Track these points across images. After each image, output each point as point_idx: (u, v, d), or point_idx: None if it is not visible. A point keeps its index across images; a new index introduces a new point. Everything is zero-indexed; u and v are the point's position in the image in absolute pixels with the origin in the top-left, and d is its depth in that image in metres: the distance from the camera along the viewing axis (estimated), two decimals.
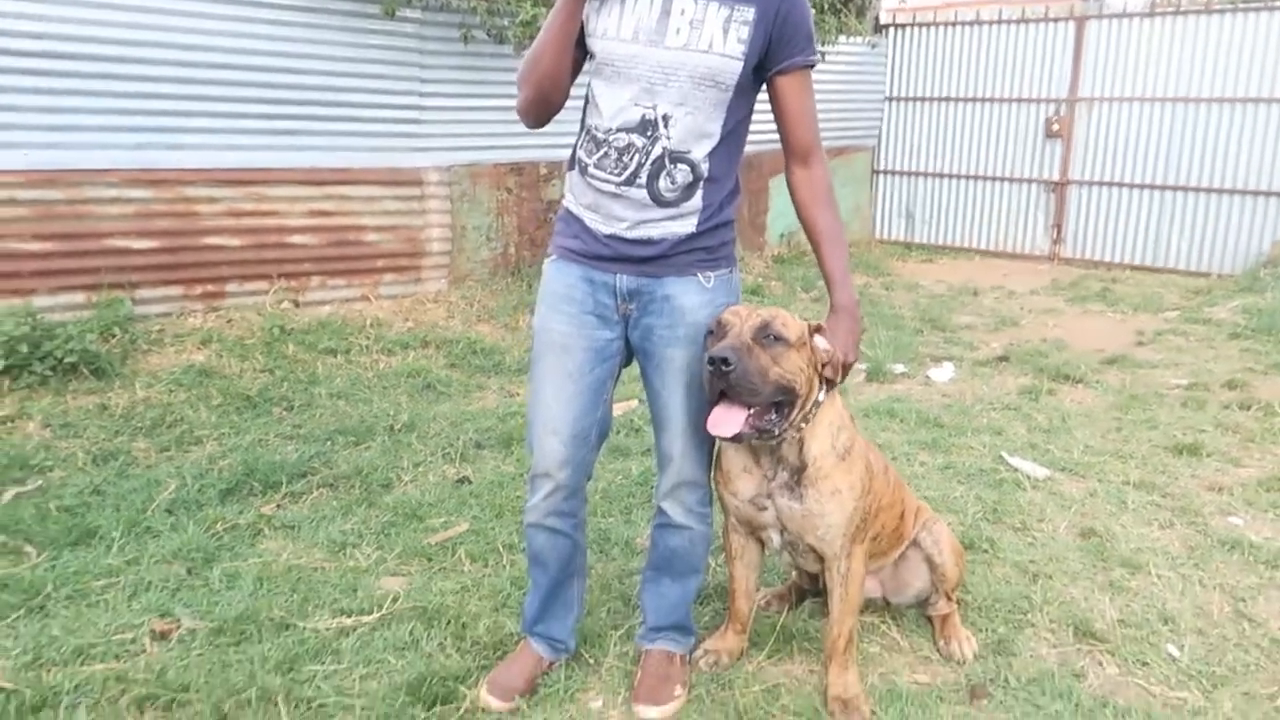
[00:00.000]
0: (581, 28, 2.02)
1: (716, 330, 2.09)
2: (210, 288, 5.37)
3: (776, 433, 2.09)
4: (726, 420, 2.03)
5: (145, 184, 5.05)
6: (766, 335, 2.05)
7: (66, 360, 4.41)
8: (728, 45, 1.97)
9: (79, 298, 4.87)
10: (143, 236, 5.08)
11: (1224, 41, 8.14)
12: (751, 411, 2.03)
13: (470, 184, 6.47)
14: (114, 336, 4.78)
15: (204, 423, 4.22)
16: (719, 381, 1.99)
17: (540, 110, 2.09)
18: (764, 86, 2.10)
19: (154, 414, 4.24)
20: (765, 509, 2.26)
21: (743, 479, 2.27)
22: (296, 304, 5.71)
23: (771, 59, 2.02)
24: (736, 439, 2.06)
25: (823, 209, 2.14)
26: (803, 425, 2.14)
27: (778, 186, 8.07)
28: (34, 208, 4.70)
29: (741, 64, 1.98)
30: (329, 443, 4.05)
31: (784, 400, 2.07)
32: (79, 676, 2.33)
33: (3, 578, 2.81)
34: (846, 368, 2.13)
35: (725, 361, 1.96)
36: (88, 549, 3.04)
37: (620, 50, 1.98)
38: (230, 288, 5.44)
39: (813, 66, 2.09)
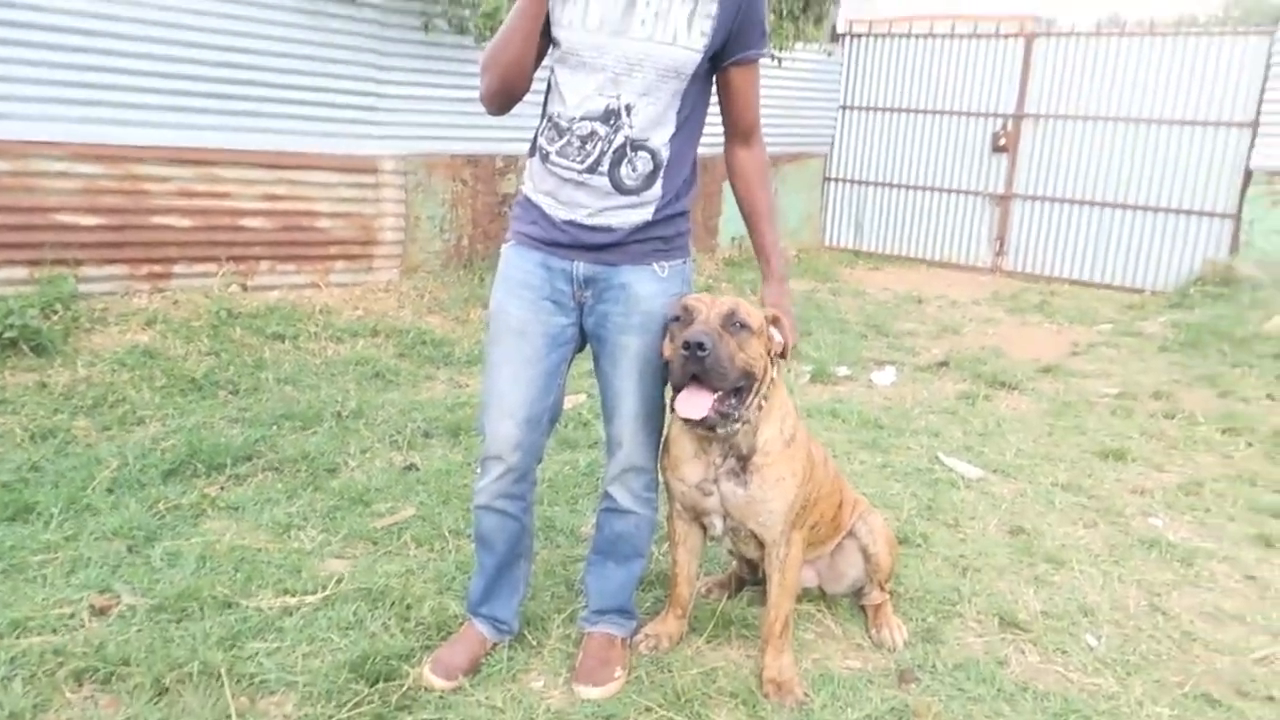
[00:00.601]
0: (546, 16, 2.07)
1: (683, 316, 2.15)
2: (157, 268, 5.29)
3: (735, 416, 2.16)
4: (695, 403, 2.09)
5: (93, 159, 4.96)
6: (733, 323, 2.12)
7: (6, 335, 4.33)
8: (691, 38, 2.03)
9: (21, 272, 4.77)
10: (89, 213, 4.99)
11: (1165, 65, 8.42)
12: (716, 395, 2.10)
13: (426, 174, 6.46)
14: (56, 313, 4.69)
15: (147, 403, 4.18)
16: (693, 365, 2.05)
17: (503, 98, 2.13)
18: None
19: (95, 393, 4.18)
20: (710, 494, 2.32)
21: (691, 464, 2.33)
22: (244, 288, 5.65)
23: (728, 50, 2.09)
24: (702, 422, 2.12)
25: (763, 188, 2.26)
26: (756, 411, 2.21)
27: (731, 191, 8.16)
28: None
29: (701, 55, 2.05)
30: (275, 427, 4.03)
31: (744, 385, 2.15)
32: (14, 649, 2.32)
33: None
34: (792, 334, 2.24)
35: (701, 346, 2.02)
36: (25, 524, 3.01)
37: (586, 40, 2.03)
38: (177, 269, 5.37)
39: (763, 58, 2.17)
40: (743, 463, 2.26)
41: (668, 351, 2.17)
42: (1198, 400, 5.24)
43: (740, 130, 2.22)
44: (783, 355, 2.24)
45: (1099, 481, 4.01)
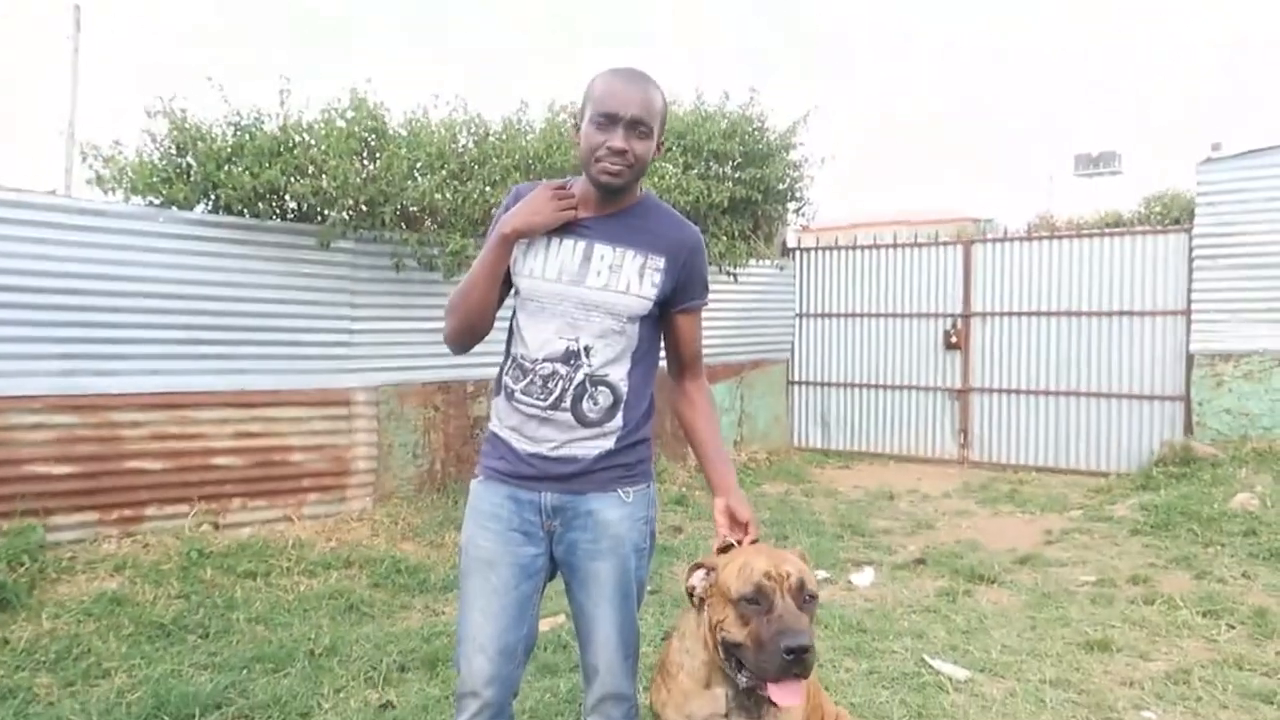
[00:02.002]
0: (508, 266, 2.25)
1: (758, 598, 2.02)
2: (128, 512, 5.29)
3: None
4: (794, 691, 1.98)
5: (70, 409, 5.07)
6: (805, 597, 2.04)
7: None
8: (643, 288, 2.22)
9: None
10: (61, 462, 5.04)
11: (1097, 261, 8.98)
12: None
13: (398, 402, 6.61)
14: (22, 565, 4.63)
15: (113, 654, 4.06)
16: (797, 667, 1.94)
17: (467, 338, 2.29)
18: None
19: (59, 646, 4.07)
20: None
21: (701, 697, 2.17)
22: (216, 526, 5.63)
23: (675, 300, 2.28)
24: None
25: (708, 414, 2.38)
26: None
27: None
28: None
29: (652, 303, 2.23)
30: (245, 671, 3.92)
31: None
32: None
33: None
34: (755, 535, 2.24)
35: (807, 649, 1.93)
36: None
37: (545, 289, 2.20)
38: (149, 511, 5.37)
39: (705, 306, 2.36)
40: (759, 700, 2.09)
41: (740, 635, 2.02)
42: (1175, 583, 5.26)
43: (685, 363, 2.38)
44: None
45: (1087, 675, 3.96)
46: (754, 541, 2.24)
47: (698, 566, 2.19)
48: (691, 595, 2.18)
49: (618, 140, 2.10)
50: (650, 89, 2.15)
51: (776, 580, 2.02)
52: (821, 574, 5.60)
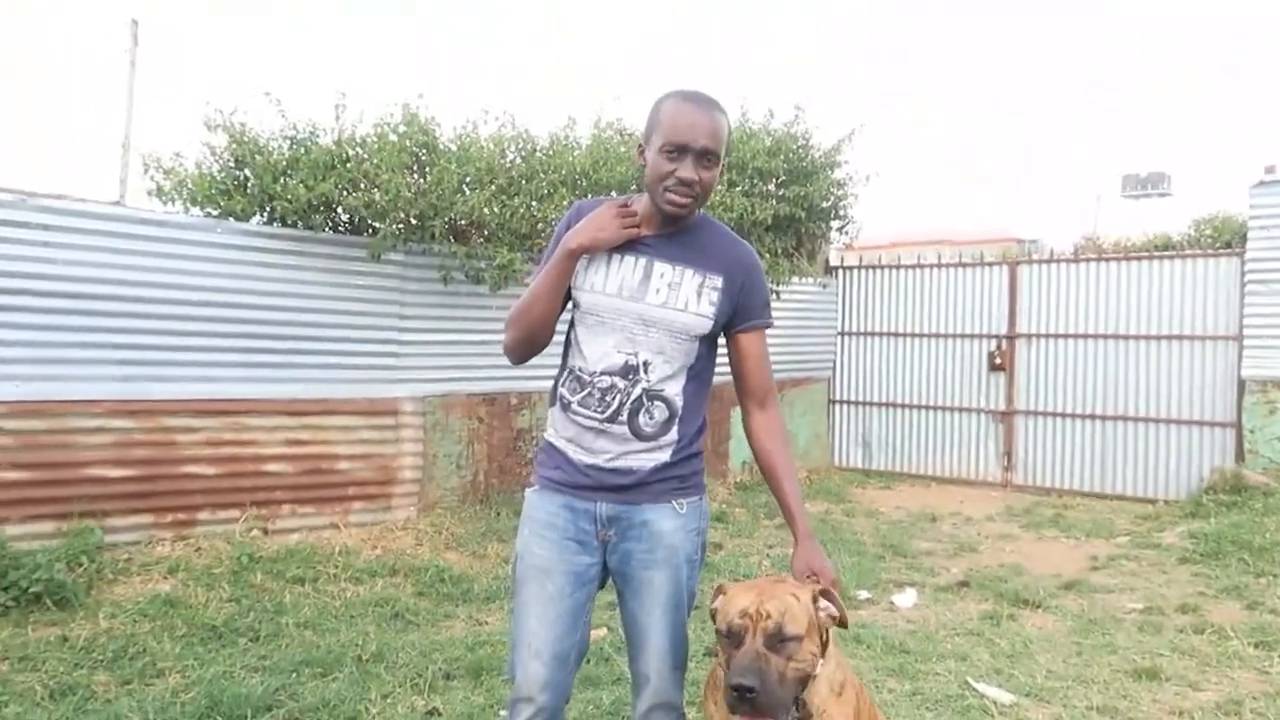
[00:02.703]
0: None
1: (732, 637, 2.05)
2: (181, 515, 5.41)
3: (796, 712, 2.09)
4: None
5: (127, 414, 5.21)
6: (780, 640, 2.04)
7: (31, 590, 4.38)
8: (700, 306, 2.25)
9: (49, 526, 4.89)
10: (119, 465, 5.18)
11: (1146, 284, 8.85)
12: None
13: (444, 413, 6.70)
14: (81, 565, 4.77)
15: (167, 654, 4.16)
16: (743, 706, 1.97)
17: (527, 349, 2.33)
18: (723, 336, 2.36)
19: (116, 645, 4.18)
20: None
21: None
22: (266, 531, 5.74)
23: (735, 320, 2.31)
24: None
25: (781, 450, 2.34)
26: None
27: (738, 417, 8.39)
28: (17, 437, 4.82)
29: (712, 322, 2.26)
30: (294, 674, 4.00)
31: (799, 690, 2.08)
32: None
33: None
34: (835, 586, 2.22)
35: (749, 690, 1.95)
36: None
37: (605, 304, 2.25)
38: (201, 515, 5.49)
39: (769, 326, 2.36)
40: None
41: (720, 672, 2.09)
42: (1226, 613, 5.16)
43: (755, 395, 2.36)
44: (842, 624, 2.17)
45: (1135, 703, 3.91)
46: (825, 587, 2.21)
47: (720, 591, 2.22)
48: (714, 617, 2.21)
49: (687, 171, 2.13)
50: (718, 117, 2.17)
51: (752, 619, 2.03)
52: (863, 594, 5.58)
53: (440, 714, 3.65)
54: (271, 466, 5.80)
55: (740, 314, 2.30)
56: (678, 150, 2.13)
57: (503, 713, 3.60)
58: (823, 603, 2.15)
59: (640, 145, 2.24)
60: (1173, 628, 4.95)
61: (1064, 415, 9.28)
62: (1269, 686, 4.12)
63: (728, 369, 2.40)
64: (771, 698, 1.98)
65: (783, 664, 2.03)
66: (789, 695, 2.03)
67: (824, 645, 2.15)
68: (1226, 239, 9.73)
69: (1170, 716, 3.78)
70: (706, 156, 2.15)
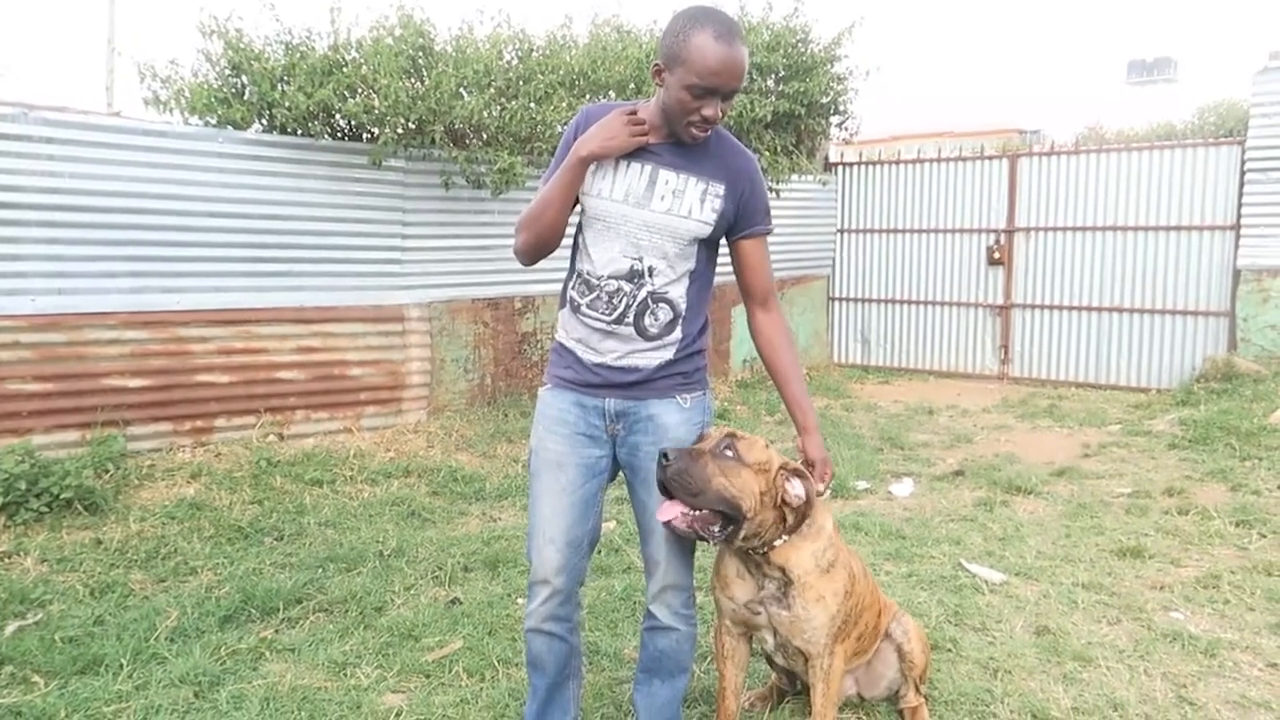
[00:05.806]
0: None
1: (698, 440, 2.38)
2: (199, 423, 5.57)
3: (712, 544, 2.36)
4: (665, 509, 2.29)
5: (141, 325, 5.31)
6: (723, 448, 2.32)
7: (63, 496, 4.55)
8: (703, 213, 2.34)
9: (74, 435, 5.05)
10: (137, 375, 5.30)
11: (1145, 175, 8.85)
12: (695, 513, 2.27)
13: (449, 318, 6.80)
14: (107, 472, 4.94)
15: (198, 554, 4.37)
16: (658, 472, 2.26)
17: (538, 253, 2.43)
18: (724, 241, 2.46)
19: (148, 546, 4.38)
20: (759, 614, 2.50)
21: (738, 584, 2.52)
22: (281, 437, 5.91)
23: (737, 226, 2.40)
24: (668, 526, 2.29)
25: (785, 349, 2.48)
26: (767, 550, 2.39)
27: (739, 316, 8.48)
28: (36, 350, 4.93)
29: (713, 228, 2.35)
30: (321, 570, 4.21)
31: (729, 515, 2.30)
32: None
33: (16, 705, 2.93)
34: (827, 477, 2.45)
35: (665, 455, 2.24)
36: (95, 676, 3.16)
37: (612, 210, 2.33)
38: (219, 422, 5.65)
39: (769, 233, 2.45)
40: (783, 589, 2.44)
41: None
42: (1210, 495, 5.37)
43: (757, 297, 2.48)
44: (805, 510, 2.39)
45: (1119, 579, 4.12)
46: (827, 484, 2.46)
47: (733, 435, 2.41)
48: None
49: (712, 110, 2.19)
50: (744, 51, 2.17)
51: (720, 432, 2.39)
52: (862, 484, 5.78)
53: (462, 602, 3.86)
54: (283, 374, 5.94)
55: (742, 221, 2.39)
56: (707, 91, 2.16)
57: (520, 600, 3.81)
58: (794, 482, 2.34)
59: (658, 65, 2.22)
60: (1158, 510, 5.16)
61: (1061, 308, 9.39)
62: (1247, 561, 4.33)
63: (728, 269, 2.50)
64: (681, 479, 2.25)
65: (713, 469, 2.28)
66: (704, 498, 2.27)
67: (784, 522, 2.38)
68: (1230, 127, 9.66)
69: (1152, 590, 4.00)
70: (732, 95, 2.21)
